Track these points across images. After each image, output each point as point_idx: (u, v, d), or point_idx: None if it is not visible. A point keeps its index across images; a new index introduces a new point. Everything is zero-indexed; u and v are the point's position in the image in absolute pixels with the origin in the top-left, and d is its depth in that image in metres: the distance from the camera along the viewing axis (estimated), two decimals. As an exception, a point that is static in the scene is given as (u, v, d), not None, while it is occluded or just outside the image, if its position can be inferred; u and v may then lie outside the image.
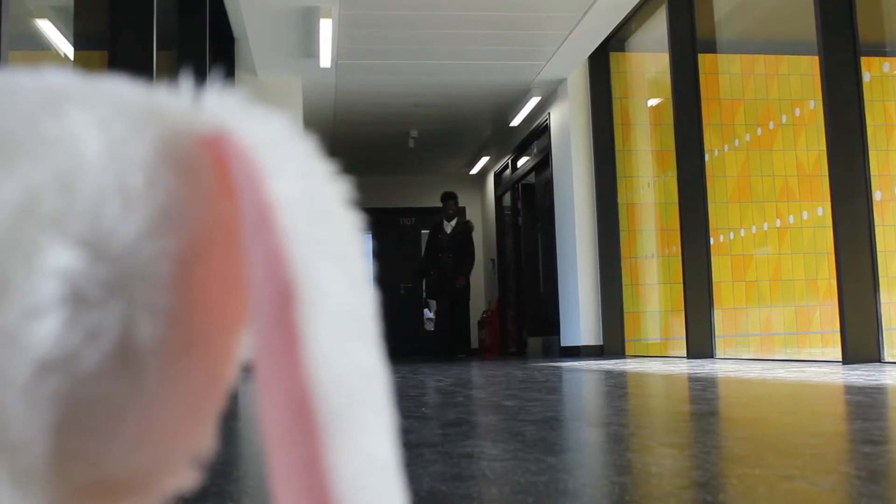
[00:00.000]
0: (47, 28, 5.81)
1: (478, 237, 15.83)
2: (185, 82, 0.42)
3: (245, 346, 0.45)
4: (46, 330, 0.36)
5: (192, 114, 0.41)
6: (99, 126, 0.39)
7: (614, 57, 9.79)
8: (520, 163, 13.08)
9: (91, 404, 0.38)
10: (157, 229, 0.39)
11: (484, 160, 14.56)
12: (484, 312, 15.03)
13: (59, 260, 0.36)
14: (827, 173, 5.86)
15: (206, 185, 0.41)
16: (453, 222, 11.51)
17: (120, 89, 0.42)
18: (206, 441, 0.45)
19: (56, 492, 0.39)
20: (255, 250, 0.37)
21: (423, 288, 11.89)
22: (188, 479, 0.46)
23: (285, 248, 0.36)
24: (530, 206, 13.00)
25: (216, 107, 0.41)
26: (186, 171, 0.40)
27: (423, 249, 11.91)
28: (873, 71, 6.76)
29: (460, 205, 12.02)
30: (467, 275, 11.46)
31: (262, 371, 0.37)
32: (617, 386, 4.41)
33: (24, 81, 0.40)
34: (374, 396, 0.37)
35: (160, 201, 0.39)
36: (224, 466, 1.80)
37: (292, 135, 0.40)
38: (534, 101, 10.56)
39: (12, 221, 0.36)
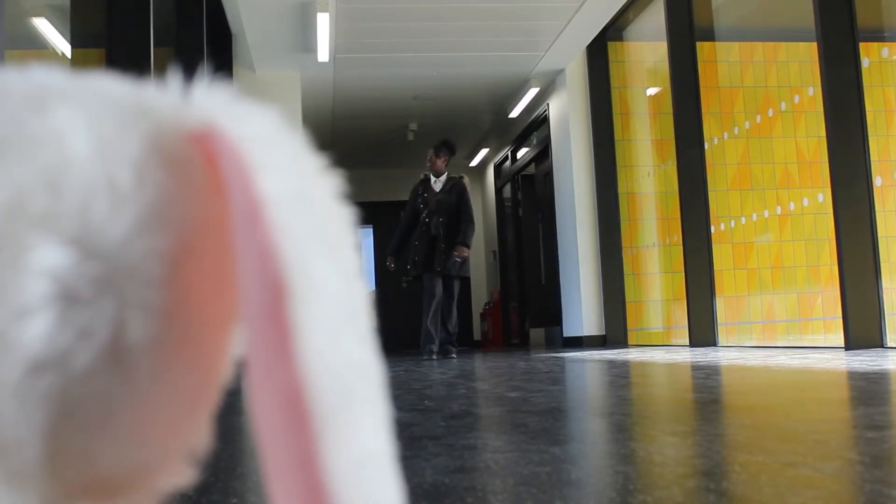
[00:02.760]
0: (44, 27, 5.81)
1: (478, 229, 15.82)
2: (174, 78, 0.42)
3: (238, 342, 0.45)
4: (37, 329, 0.36)
5: (181, 110, 0.41)
6: (86, 124, 0.38)
7: (612, 46, 9.77)
8: (519, 154, 13.06)
9: (84, 403, 0.38)
10: (147, 226, 0.39)
11: (483, 152, 14.54)
12: (486, 304, 15.04)
13: (48, 259, 0.36)
14: (827, 160, 5.86)
15: (195, 181, 0.41)
16: (443, 178, 8.94)
17: (107, 86, 0.42)
18: (200, 438, 0.45)
19: (50, 491, 0.39)
20: (246, 246, 0.37)
21: (405, 264, 8.86)
22: (184, 475, 0.46)
23: (276, 243, 0.36)
24: (531, 197, 12.99)
25: (205, 102, 0.41)
26: (176, 167, 0.40)
27: (403, 215, 9.06)
28: (872, 56, 6.74)
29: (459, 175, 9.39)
30: (468, 244, 8.77)
31: (255, 367, 0.37)
32: (620, 375, 4.41)
33: (10, 80, 0.40)
34: (367, 391, 0.37)
35: (149, 198, 0.39)
36: (227, 462, 1.80)
37: (282, 129, 0.40)
38: (532, 92, 10.54)
39: (0, 221, 0.36)
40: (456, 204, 8.80)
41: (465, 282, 9.01)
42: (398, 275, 9.20)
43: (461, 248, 8.60)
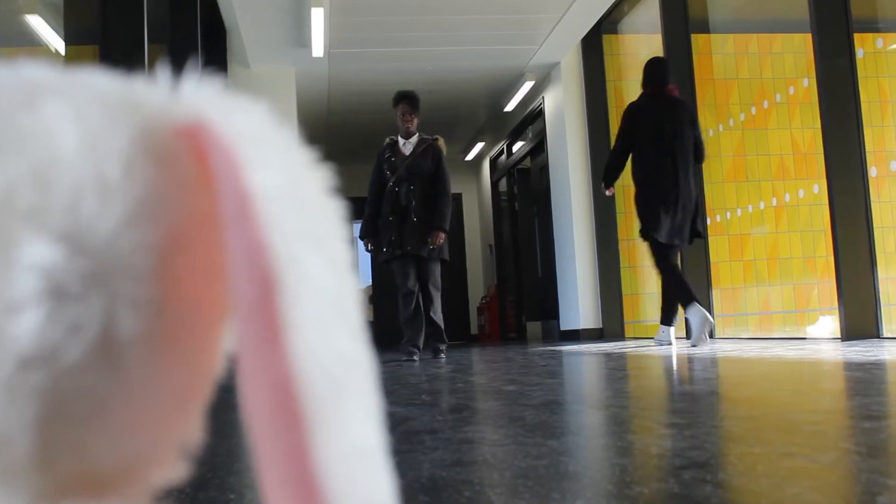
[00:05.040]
0: (38, 24, 5.80)
1: (475, 224, 15.81)
2: (163, 73, 0.42)
3: (230, 336, 0.45)
4: (27, 325, 0.36)
5: (170, 104, 0.41)
6: (75, 118, 0.38)
7: (607, 39, 9.77)
8: (515, 148, 13.07)
9: (75, 397, 0.38)
10: (136, 221, 0.39)
11: (479, 146, 14.54)
12: (482, 298, 15.04)
13: (37, 254, 0.36)
14: (822, 151, 5.86)
15: (184, 175, 0.41)
16: (414, 139, 7.23)
17: (96, 81, 0.42)
18: (193, 432, 0.45)
19: (42, 485, 0.39)
20: (236, 240, 0.37)
21: (377, 246, 7.23)
22: (176, 470, 0.46)
23: (265, 237, 0.36)
24: (526, 190, 12.99)
25: (194, 97, 0.41)
26: (165, 161, 0.40)
27: (369, 188, 7.34)
28: (866, 47, 6.74)
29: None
30: (446, 227, 7.03)
31: (245, 361, 0.37)
32: (617, 368, 4.42)
33: (-1, 76, 0.40)
34: (358, 384, 0.37)
35: (138, 193, 0.39)
36: (224, 458, 1.81)
37: (271, 124, 0.40)
38: (528, 86, 10.54)
39: (-11, 217, 0.36)
40: (432, 171, 7.12)
41: (444, 265, 7.26)
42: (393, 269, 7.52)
43: (438, 233, 6.95)
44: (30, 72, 0.41)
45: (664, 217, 6.36)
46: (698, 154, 6.59)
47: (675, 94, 6.71)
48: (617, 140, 6.82)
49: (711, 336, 6.57)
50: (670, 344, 6.67)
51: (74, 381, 0.38)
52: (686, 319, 6.47)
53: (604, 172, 7.08)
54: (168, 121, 0.41)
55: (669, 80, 6.69)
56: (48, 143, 0.37)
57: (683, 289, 6.40)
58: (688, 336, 7.63)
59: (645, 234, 6.54)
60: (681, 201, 6.35)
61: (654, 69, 6.74)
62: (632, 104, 6.79)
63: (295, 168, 0.39)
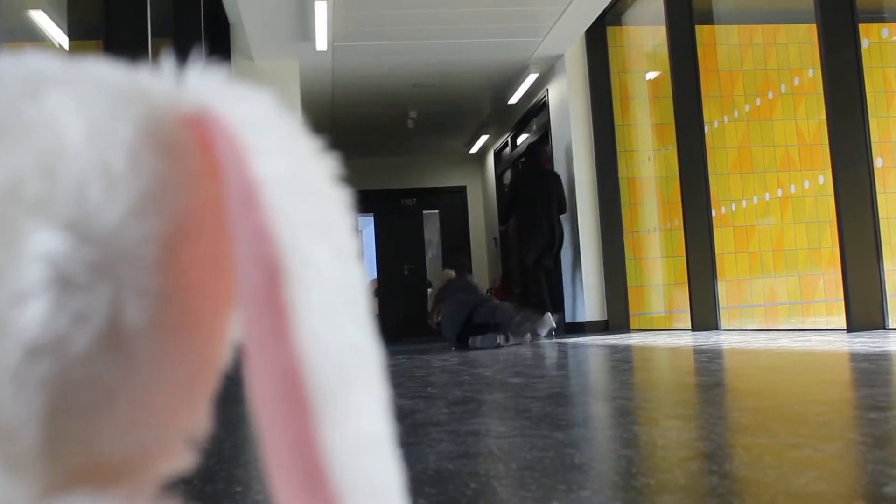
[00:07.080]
0: (42, 19, 5.80)
1: (479, 216, 15.84)
2: (168, 63, 0.42)
3: (236, 326, 0.45)
4: (33, 315, 0.36)
5: (175, 94, 0.41)
6: (80, 108, 0.38)
7: (611, 31, 9.74)
8: (519, 140, 13.04)
9: (82, 387, 0.38)
10: (142, 210, 0.39)
11: (483, 139, 14.52)
12: (488, 290, 15.04)
13: (43, 244, 0.36)
14: (827, 142, 5.85)
15: (190, 165, 0.41)
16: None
17: (101, 71, 0.42)
18: (200, 422, 0.45)
19: (49, 476, 0.39)
20: (242, 229, 0.37)
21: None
22: (183, 460, 0.46)
23: (271, 226, 0.36)
24: (531, 183, 12.96)
25: (199, 86, 0.41)
26: (170, 151, 0.40)
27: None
28: (872, 37, 6.73)
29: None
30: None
31: (252, 350, 0.37)
32: (622, 360, 4.41)
33: (4, 66, 0.40)
34: (365, 373, 0.37)
35: (144, 182, 0.39)
36: (231, 451, 1.81)
37: (277, 112, 0.40)
38: (532, 78, 10.51)
39: (-4, 207, 0.36)
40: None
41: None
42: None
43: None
44: (34, 62, 0.41)
45: (535, 250, 9.52)
46: (561, 208, 9.61)
47: (547, 167, 9.92)
48: (507, 199, 10.36)
49: (550, 336, 8.89)
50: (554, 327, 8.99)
51: (81, 371, 0.38)
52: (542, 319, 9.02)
53: (499, 219, 10.45)
54: (173, 110, 0.41)
55: (542, 156, 9.94)
56: (53, 133, 0.37)
57: (543, 300, 9.47)
58: (693, 327, 7.65)
59: (524, 258, 9.78)
60: (546, 239, 9.51)
61: (530, 150, 10.39)
62: (514, 175, 10.71)
63: (301, 156, 0.39)
